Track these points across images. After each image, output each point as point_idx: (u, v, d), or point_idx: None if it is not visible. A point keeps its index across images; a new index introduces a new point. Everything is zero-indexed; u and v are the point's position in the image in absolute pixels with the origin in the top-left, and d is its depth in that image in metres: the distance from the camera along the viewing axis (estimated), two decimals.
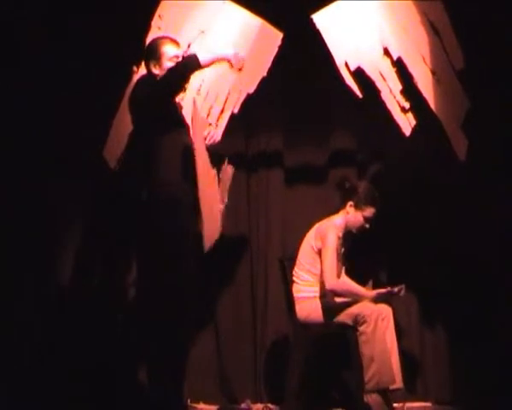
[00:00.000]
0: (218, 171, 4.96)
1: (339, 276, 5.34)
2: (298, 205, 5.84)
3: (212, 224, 4.92)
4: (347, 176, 5.51)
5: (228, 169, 5.01)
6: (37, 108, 5.39)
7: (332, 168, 5.84)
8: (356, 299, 5.21)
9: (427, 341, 5.77)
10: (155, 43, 4.70)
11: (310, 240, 5.36)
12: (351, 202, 5.34)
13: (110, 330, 5.47)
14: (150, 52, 4.69)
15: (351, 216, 5.35)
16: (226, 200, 5.01)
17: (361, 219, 5.33)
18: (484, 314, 5.50)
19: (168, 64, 4.62)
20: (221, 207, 4.99)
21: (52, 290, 5.46)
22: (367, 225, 5.34)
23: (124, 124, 5.07)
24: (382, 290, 5.21)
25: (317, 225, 5.38)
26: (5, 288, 5.26)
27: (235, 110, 5.23)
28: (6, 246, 5.30)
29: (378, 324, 5.08)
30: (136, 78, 4.99)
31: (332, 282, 5.21)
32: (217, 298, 5.82)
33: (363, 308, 5.13)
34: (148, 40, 4.96)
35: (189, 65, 4.53)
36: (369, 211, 5.31)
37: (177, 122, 4.67)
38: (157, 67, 4.65)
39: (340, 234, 5.34)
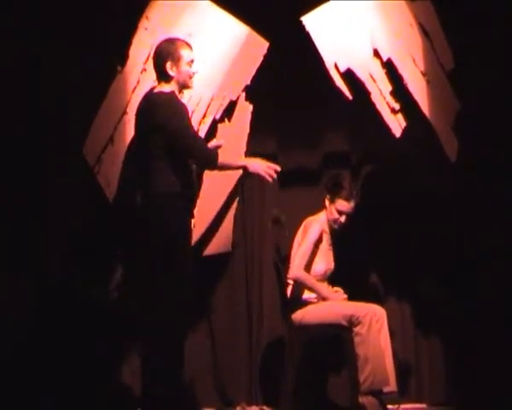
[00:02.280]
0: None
1: (327, 271, 5.37)
2: (292, 207, 5.83)
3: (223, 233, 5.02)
4: (334, 174, 5.51)
5: None
6: (25, 108, 5.46)
7: (325, 170, 5.84)
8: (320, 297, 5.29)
9: (421, 343, 5.75)
10: (174, 45, 4.65)
11: (297, 238, 5.41)
12: (327, 196, 5.36)
13: (100, 331, 5.51)
14: (168, 53, 4.62)
15: (327, 210, 5.37)
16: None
17: (335, 212, 5.33)
18: (478, 317, 5.48)
19: (185, 68, 4.63)
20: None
21: (41, 291, 5.49)
22: (341, 219, 5.32)
23: (105, 122, 5.12)
24: (342, 296, 5.29)
25: (303, 223, 5.42)
26: None
27: (217, 116, 5.25)
28: None
29: (372, 325, 5.07)
30: (121, 79, 5.03)
31: (296, 272, 5.23)
32: (212, 300, 5.83)
33: (358, 309, 5.13)
34: (136, 41, 4.99)
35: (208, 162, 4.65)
36: (341, 204, 5.30)
37: None
38: (174, 68, 4.61)
39: (326, 229, 5.37)
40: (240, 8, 5.24)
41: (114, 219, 5.51)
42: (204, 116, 5.17)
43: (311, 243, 5.28)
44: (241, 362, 5.81)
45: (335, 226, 5.35)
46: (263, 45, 5.15)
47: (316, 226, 5.31)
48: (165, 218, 4.55)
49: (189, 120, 4.62)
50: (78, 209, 5.60)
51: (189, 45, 4.73)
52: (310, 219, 5.42)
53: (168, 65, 4.63)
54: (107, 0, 5.43)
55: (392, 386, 5.07)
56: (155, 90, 4.68)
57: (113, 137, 5.16)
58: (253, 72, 5.14)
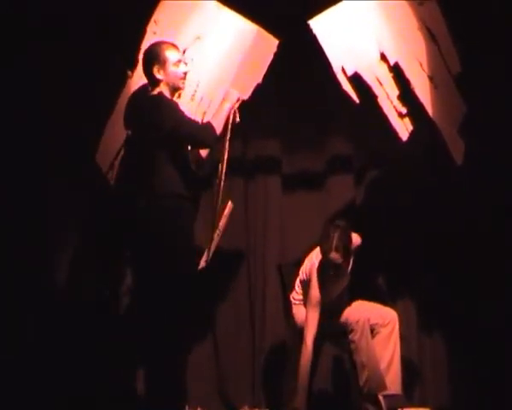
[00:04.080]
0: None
1: (338, 293, 5.32)
2: (295, 211, 5.84)
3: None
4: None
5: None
6: (35, 111, 5.44)
7: (330, 174, 5.85)
8: None
9: (425, 347, 5.75)
10: (158, 48, 4.69)
11: (303, 270, 5.32)
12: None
13: (105, 336, 5.48)
14: (153, 56, 4.67)
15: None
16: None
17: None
18: (483, 321, 5.48)
19: (172, 69, 4.66)
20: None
21: (46, 293, 5.48)
22: (330, 272, 5.14)
23: (117, 128, 5.07)
24: None
25: (306, 262, 5.32)
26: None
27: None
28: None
29: (365, 331, 5.10)
30: (132, 84, 5.01)
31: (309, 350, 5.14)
32: (215, 303, 5.82)
33: (350, 316, 5.17)
34: (144, 45, 4.97)
35: (209, 140, 4.69)
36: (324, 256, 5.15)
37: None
38: (161, 72, 4.66)
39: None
40: (245, 9, 5.21)
41: (116, 220, 5.49)
42: None
43: (314, 310, 5.16)
44: (243, 366, 5.80)
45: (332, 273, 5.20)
46: (273, 43, 5.11)
47: (313, 288, 5.18)
48: (166, 218, 4.58)
49: (180, 112, 4.64)
50: (79, 209, 5.58)
51: (174, 46, 4.75)
52: (311, 263, 5.27)
53: (155, 69, 4.65)
54: (117, 5, 5.41)
55: (396, 390, 5.12)
56: (147, 95, 4.69)
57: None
58: (264, 70, 5.08)
